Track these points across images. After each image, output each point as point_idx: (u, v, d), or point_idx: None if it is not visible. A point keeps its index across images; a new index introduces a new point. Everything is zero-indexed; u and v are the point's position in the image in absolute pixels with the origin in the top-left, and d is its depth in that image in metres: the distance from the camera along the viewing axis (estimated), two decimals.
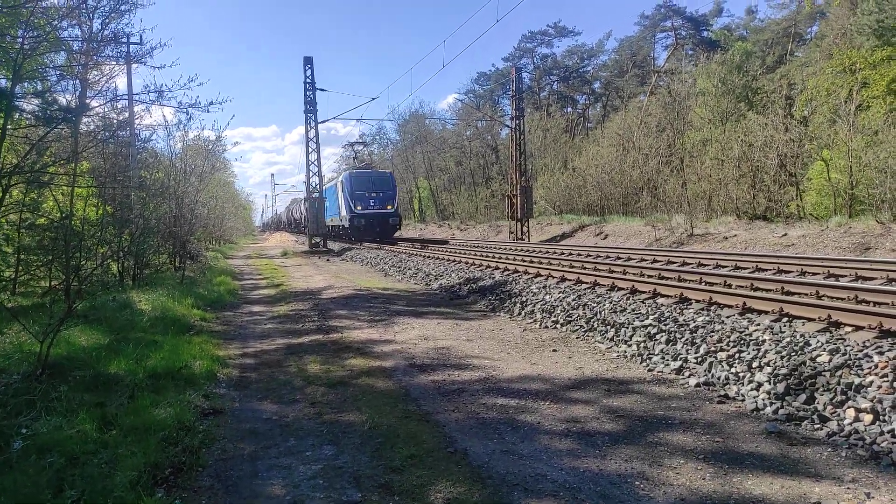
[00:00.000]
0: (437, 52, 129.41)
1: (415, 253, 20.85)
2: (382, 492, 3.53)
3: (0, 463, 3.65)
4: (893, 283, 8.30)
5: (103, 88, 15.39)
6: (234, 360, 7.11)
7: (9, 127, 7.61)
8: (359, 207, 30.98)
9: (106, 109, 13.38)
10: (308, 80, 30.20)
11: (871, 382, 4.34)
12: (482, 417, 4.77)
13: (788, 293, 7.44)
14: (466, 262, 15.63)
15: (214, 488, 3.68)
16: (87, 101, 12.91)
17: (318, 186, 32.37)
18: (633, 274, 10.35)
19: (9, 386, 4.88)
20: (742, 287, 8.22)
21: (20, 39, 7.61)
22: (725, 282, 8.71)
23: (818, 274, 9.70)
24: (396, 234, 33.77)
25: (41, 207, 9.64)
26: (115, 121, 15.33)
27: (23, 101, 9.82)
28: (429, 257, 18.70)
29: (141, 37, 13.33)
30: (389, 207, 31.59)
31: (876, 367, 4.48)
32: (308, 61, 30.22)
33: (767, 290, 7.82)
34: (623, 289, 8.80)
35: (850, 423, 4.09)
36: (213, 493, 3.62)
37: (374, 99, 47.02)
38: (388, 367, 6.49)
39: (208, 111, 12.59)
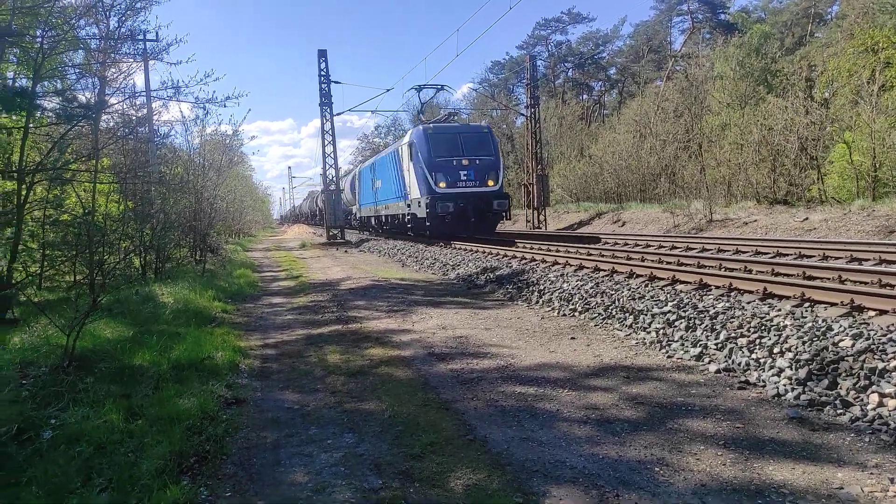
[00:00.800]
0: (451, 42, 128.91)
1: (432, 243, 20.87)
2: (403, 478, 3.57)
3: (30, 452, 3.75)
4: None
5: (121, 86, 15.58)
6: (256, 350, 7.20)
7: (31, 125, 7.74)
8: (442, 185, 19.54)
9: (125, 106, 13.55)
10: (323, 73, 30.23)
11: (895, 367, 4.28)
12: (501, 405, 4.79)
13: (810, 278, 7.34)
14: (483, 252, 15.63)
15: (238, 476, 3.75)
16: (106, 98, 13.08)
17: (334, 178, 32.47)
18: (652, 261, 10.28)
19: (37, 378, 5.00)
20: (762, 272, 8.13)
21: (39, 39, 7.73)
22: (745, 267, 8.62)
23: (840, 258, 9.56)
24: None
25: (64, 204, 9.80)
26: (133, 117, 15.51)
27: (43, 99, 9.97)
28: (445, 247, 18.71)
29: (157, 34, 13.51)
30: (492, 183, 19.92)
31: None
32: (322, 54, 30.24)
33: (788, 276, 7.73)
34: (641, 276, 8.75)
35: (874, 409, 4.04)
36: (237, 480, 3.69)
37: (388, 90, 46.96)
38: (407, 356, 6.53)
39: (224, 106, 12.69)
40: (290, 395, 5.39)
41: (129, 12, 14.45)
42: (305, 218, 73.62)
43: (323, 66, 30.21)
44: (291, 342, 7.61)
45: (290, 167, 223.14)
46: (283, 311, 10.16)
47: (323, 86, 30.35)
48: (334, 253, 24.53)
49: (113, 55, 13.47)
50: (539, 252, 12.73)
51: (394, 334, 7.67)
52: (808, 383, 4.55)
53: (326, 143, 31.36)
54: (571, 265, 10.79)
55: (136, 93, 15.98)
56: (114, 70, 14.34)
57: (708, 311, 6.40)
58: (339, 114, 32.62)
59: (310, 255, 23.69)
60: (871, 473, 3.30)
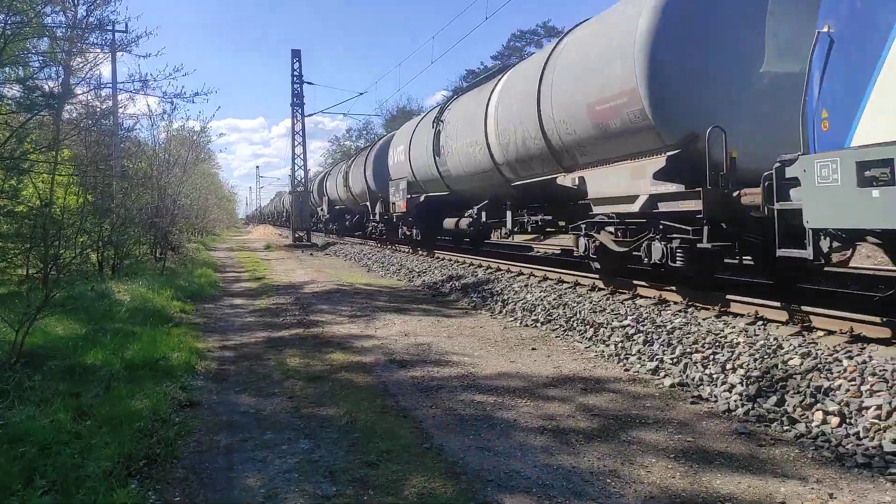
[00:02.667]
0: (426, 48, 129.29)
1: (398, 249, 20.83)
2: (357, 486, 3.55)
3: None
4: (866, 289, 8.45)
5: (87, 76, 15.23)
6: (214, 352, 7.09)
7: None
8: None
9: (89, 97, 13.26)
10: (296, 73, 30.06)
11: (840, 386, 4.42)
12: (460, 414, 4.81)
13: (764, 296, 7.54)
14: (450, 259, 15.66)
15: (188, 480, 3.68)
16: (71, 87, 12.76)
17: (303, 180, 32.21)
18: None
19: None
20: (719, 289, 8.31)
21: (1, 24, 7.51)
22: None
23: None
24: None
25: (20, 195, 9.52)
26: (98, 109, 15.16)
27: (4, 86, 9.68)
28: (411, 254, 18.71)
29: (126, 25, 13.26)
30: None
31: (845, 370, 4.57)
32: (296, 54, 30.08)
33: (744, 293, 7.91)
34: (603, 289, 8.88)
35: (818, 426, 4.17)
36: (188, 484, 3.62)
37: (361, 94, 46.80)
38: (368, 362, 6.50)
39: (193, 102, 12.58)
40: (246, 398, 5.31)
41: (98, 2, 14.15)
42: (272, 219, 72.79)
43: (296, 66, 30.03)
44: (251, 345, 7.51)
45: (258, 166, 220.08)
46: (244, 313, 10.03)
47: (295, 86, 30.18)
48: (299, 255, 24.30)
49: (79, 44, 13.17)
50: (504, 261, 12.81)
51: (356, 340, 7.63)
52: (758, 399, 4.68)
53: (296, 143, 31.14)
54: (536, 276, 10.89)
55: (101, 84, 15.66)
56: (80, 60, 14.03)
57: (665, 326, 6.53)
58: (310, 115, 32.37)
59: (274, 257, 23.42)
60: (812, 488, 3.41)
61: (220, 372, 6.23)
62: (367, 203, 23.86)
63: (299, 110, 30.76)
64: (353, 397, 5.26)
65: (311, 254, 25.18)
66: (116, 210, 12.82)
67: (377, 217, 22.43)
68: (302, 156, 31.80)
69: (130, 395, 4.90)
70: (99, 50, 15.12)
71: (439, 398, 5.22)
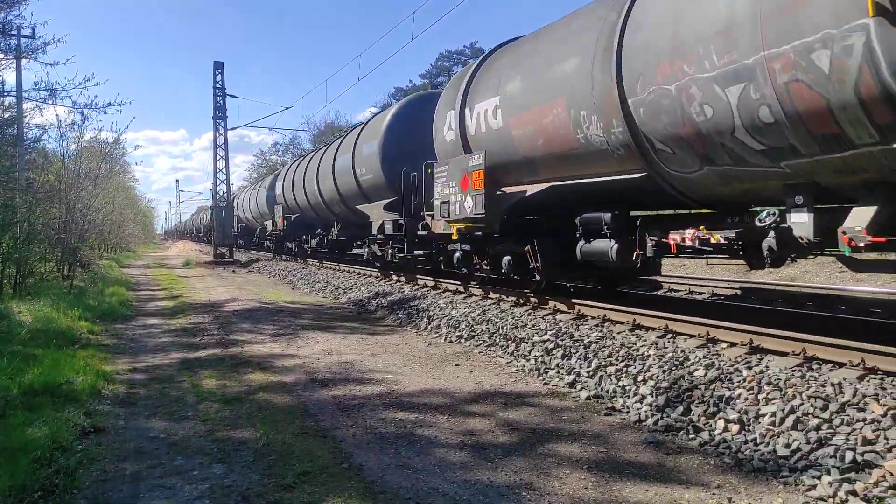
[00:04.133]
0: (353, 66, 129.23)
1: (324, 265, 20.55)
2: None
3: None
4: (766, 302, 9.03)
5: None
6: (123, 375, 6.74)
7: None
8: None
9: None
10: (218, 85, 29.32)
11: (740, 395, 4.71)
12: (380, 432, 4.78)
13: (675, 310, 7.92)
14: (376, 276, 15.59)
15: None
16: None
17: (226, 194, 31.33)
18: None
19: None
20: (632, 304, 8.67)
21: None
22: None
23: (704, 293, 10.42)
24: None
25: None
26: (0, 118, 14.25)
27: None
28: (339, 270, 18.49)
29: (33, 30, 12.58)
30: None
31: (744, 380, 4.87)
32: (218, 66, 29.35)
33: (655, 308, 8.29)
34: (525, 305, 9.07)
35: (720, 433, 4.41)
36: None
37: (287, 108, 46.08)
38: (289, 382, 6.37)
39: (105, 112, 12.01)
40: (156, 422, 5.08)
41: (1, 4, 13.35)
42: (192, 234, 70.32)
43: (219, 78, 29.31)
44: (164, 366, 7.19)
45: (178, 180, 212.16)
46: (158, 333, 9.60)
47: (218, 98, 29.42)
48: (221, 273, 23.54)
49: None
50: (431, 278, 12.87)
51: (277, 359, 7.46)
52: (666, 409, 4.90)
53: (219, 157, 30.30)
54: (461, 293, 11.00)
55: (4, 92, 14.75)
56: None
57: (583, 341, 6.74)
58: (233, 128, 31.60)
59: (194, 274, 22.59)
60: (713, 493, 3.60)
61: (129, 395, 5.93)
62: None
63: (222, 123, 29.98)
64: (271, 419, 5.13)
65: (234, 271, 24.44)
66: (20, 224, 12.03)
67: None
68: (224, 170, 30.94)
69: (28, 423, 4.59)
70: (2, 55, 14.26)
71: (360, 417, 5.17)
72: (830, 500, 3.43)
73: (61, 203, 14.89)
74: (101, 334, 9.33)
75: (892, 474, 3.40)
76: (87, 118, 15.65)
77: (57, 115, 14.96)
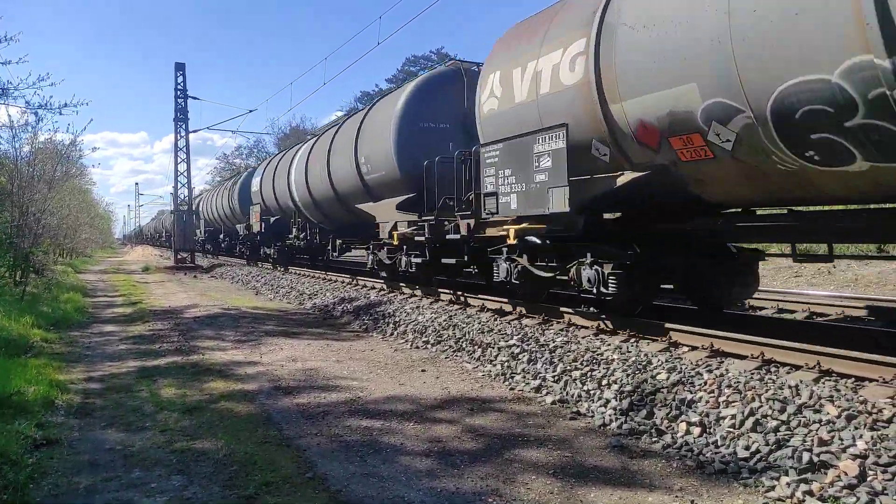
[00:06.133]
0: (319, 69, 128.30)
1: (289, 270, 20.28)
2: None
3: None
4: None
5: None
6: (78, 384, 6.52)
7: None
8: None
9: None
10: (179, 87, 28.77)
11: (701, 398, 4.78)
12: (345, 440, 4.72)
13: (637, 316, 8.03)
14: (342, 281, 15.44)
15: None
16: None
17: (186, 198, 30.72)
18: (502, 294, 10.72)
19: None
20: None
21: None
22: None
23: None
24: None
25: None
26: None
27: None
28: (303, 275, 18.27)
29: None
30: None
31: (705, 383, 4.96)
32: (180, 67, 28.80)
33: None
34: (492, 309, 9.09)
35: (682, 436, 4.47)
36: None
37: (251, 111, 45.44)
38: (251, 390, 6.25)
39: (61, 113, 11.63)
40: (112, 434, 4.92)
41: None
42: (152, 239, 68.77)
43: (180, 79, 28.77)
44: (121, 375, 6.99)
45: (137, 183, 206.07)
46: (115, 341, 9.33)
47: (179, 100, 28.87)
48: (182, 278, 23.05)
49: None
50: (397, 283, 12.80)
51: (239, 367, 7.31)
52: (630, 413, 4.95)
53: (180, 160, 29.72)
54: (428, 297, 10.96)
55: None
56: None
57: (548, 345, 6.78)
58: (195, 131, 30.96)
59: (153, 280, 22.07)
60: (676, 496, 3.64)
61: (84, 406, 5.73)
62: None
63: (183, 126, 29.39)
64: (232, 428, 5.01)
65: (195, 276, 23.94)
66: None
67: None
68: (186, 173, 30.33)
69: None
70: None
71: (325, 425, 5.09)
72: (788, 500, 3.51)
73: (13, 206, 14.35)
74: (56, 342, 9.03)
75: (846, 474, 3.49)
76: (41, 119, 15.14)
77: (9, 115, 14.46)
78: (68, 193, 23.90)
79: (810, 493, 3.48)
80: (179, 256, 29.93)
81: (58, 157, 18.01)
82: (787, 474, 3.67)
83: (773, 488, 3.63)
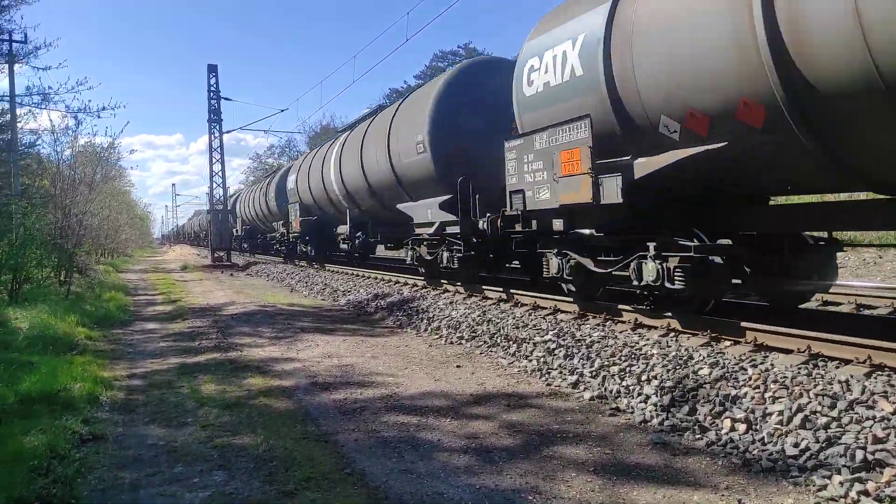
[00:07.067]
0: (348, 67, 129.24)
1: (322, 268, 20.48)
2: None
3: None
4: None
5: None
6: (121, 381, 6.67)
7: None
8: None
9: None
10: (212, 89, 29.25)
11: (746, 394, 4.65)
12: (383, 436, 4.72)
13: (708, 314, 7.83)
14: (375, 278, 15.52)
15: None
16: None
17: (222, 198, 31.26)
18: (536, 290, 10.62)
19: None
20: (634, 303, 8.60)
21: None
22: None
23: None
24: None
25: None
26: None
27: None
28: (337, 272, 18.42)
29: (25, 35, 12.49)
30: None
31: (750, 379, 4.82)
32: (212, 69, 29.28)
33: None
34: (526, 304, 9.02)
35: (727, 433, 4.35)
36: None
37: (283, 111, 46.01)
38: (289, 386, 6.30)
39: (99, 117, 11.96)
40: (155, 429, 5.01)
41: None
42: (190, 238, 70.23)
43: (213, 81, 29.25)
44: (162, 371, 7.12)
45: (174, 184, 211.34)
46: (156, 338, 9.53)
47: (212, 101, 29.36)
48: (219, 276, 23.47)
49: None
50: (429, 279, 12.81)
51: (276, 363, 7.39)
52: (671, 409, 4.85)
53: (214, 160, 30.24)
54: (461, 293, 10.94)
55: None
56: None
57: (585, 340, 6.69)
58: (228, 131, 31.53)
59: (192, 278, 22.50)
60: (723, 495, 3.54)
61: (127, 402, 5.86)
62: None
63: (217, 126, 29.89)
64: (271, 424, 5.06)
65: (232, 274, 24.35)
66: (15, 230, 11.95)
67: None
68: (220, 173, 30.86)
69: (25, 432, 4.52)
70: None
71: (362, 420, 5.10)
72: (842, 500, 3.38)
73: (57, 208, 14.80)
74: (99, 340, 9.25)
75: None
76: (81, 122, 15.60)
77: (51, 119, 14.97)
78: (108, 195, 24.55)
79: (865, 492, 3.35)
80: (216, 255, 30.48)
81: (97, 159, 18.51)
82: (839, 473, 3.54)
83: (824, 487, 3.50)
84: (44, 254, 13.53)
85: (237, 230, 34.61)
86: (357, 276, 16.70)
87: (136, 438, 4.81)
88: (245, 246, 36.80)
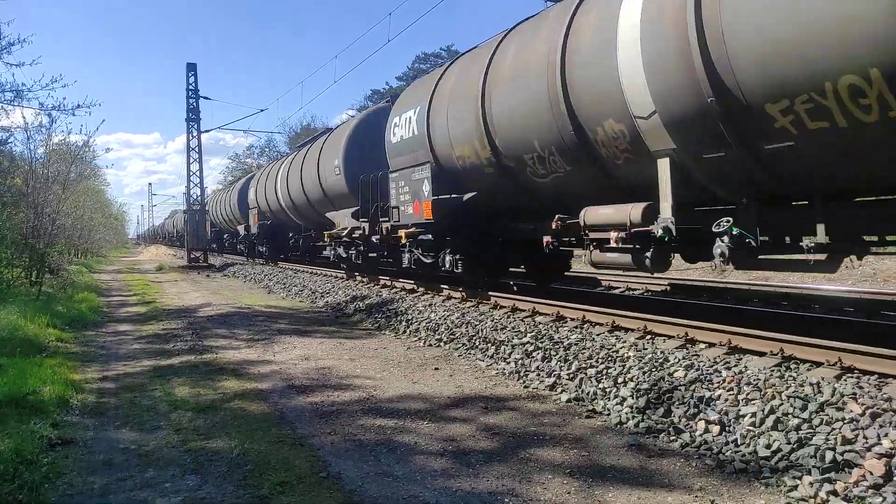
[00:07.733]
0: (329, 68, 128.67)
1: (301, 269, 20.33)
2: None
3: None
4: (742, 302, 9.11)
5: None
6: (92, 384, 6.55)
7: None
8: None
9: None
10: (191, 88, 28.92)
11: (720, 396, 4.70)
12: (359, 439, 4.68)
13: (653, 311, 7.94)
14: (354, 280, 15.45)
15: None
16: None
17: (199, 198, 30.88)
18: (514, 292, 10.66)
19: None
20: (611, 306, 8.68)
21: None
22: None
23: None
24: None
25: None
26: None
27: None
28: (316, 274, 18.30)
29: None
30: None
31: (724, 381, 4.87)
32: (191, 68, 28.94)
33: (634, 309, 8.30)
34: (504, 307, 9.03)
35: (701, 435, 4.40)
36: None
37: (262, 110, 45.62)
38: (265, 389, 6.23)
39: (74, 114, 11.70)
40: (127, 433, 4.92)
41: None
42: (166, 239, 69.38)
43: (192, 80, 28.91)
44: (135, 374, 7.01)
45: (150, 183, 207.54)
46: (129, 340, 9.37)
47: (191, 101, 29.02)
48: (195, 277, 23.18)
49: None
50: (409, 281, 12.78)
51: (252, 365, 7.31)
52: (647, 411, 4.88)
53: (192, 160, 29.88)
54: (440, 295, 10.93)
55: None
56: None
57: (562, 343, 6.72)
58: (206, 131, 31.20)
59: (167, 279, 22.20)
60: (696, 496, 3.58)
61: (98, 405, 5.75)
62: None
63: (195, 126, 29.53)
64: (246, 427, 5.00)
65: (208, 275, 24.08)
66: None
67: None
68: (198, 173, 30.49)
69: None
70: None
71: (339, 424, 5.06)
72: (812, 500, 3.43)
73: (29, 207, 14.49)
74: (70, 342, 9.08)
75: (871, 473, 3.41)
76: (55, 120, 15.23)
77: (24, 117, 14.55)
78: (82, 194, 24.10)
79: (834, 492, 3.40)
80: (192, 256, 30.10)
81: (72, 158, 18.15)
82: (809, 473, 3.59)
83: (795, 488, 3.55)
84: (14, 253, 13.25)
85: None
86: (335, 277, 16.61)
87: (107, 442, 4.72)
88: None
